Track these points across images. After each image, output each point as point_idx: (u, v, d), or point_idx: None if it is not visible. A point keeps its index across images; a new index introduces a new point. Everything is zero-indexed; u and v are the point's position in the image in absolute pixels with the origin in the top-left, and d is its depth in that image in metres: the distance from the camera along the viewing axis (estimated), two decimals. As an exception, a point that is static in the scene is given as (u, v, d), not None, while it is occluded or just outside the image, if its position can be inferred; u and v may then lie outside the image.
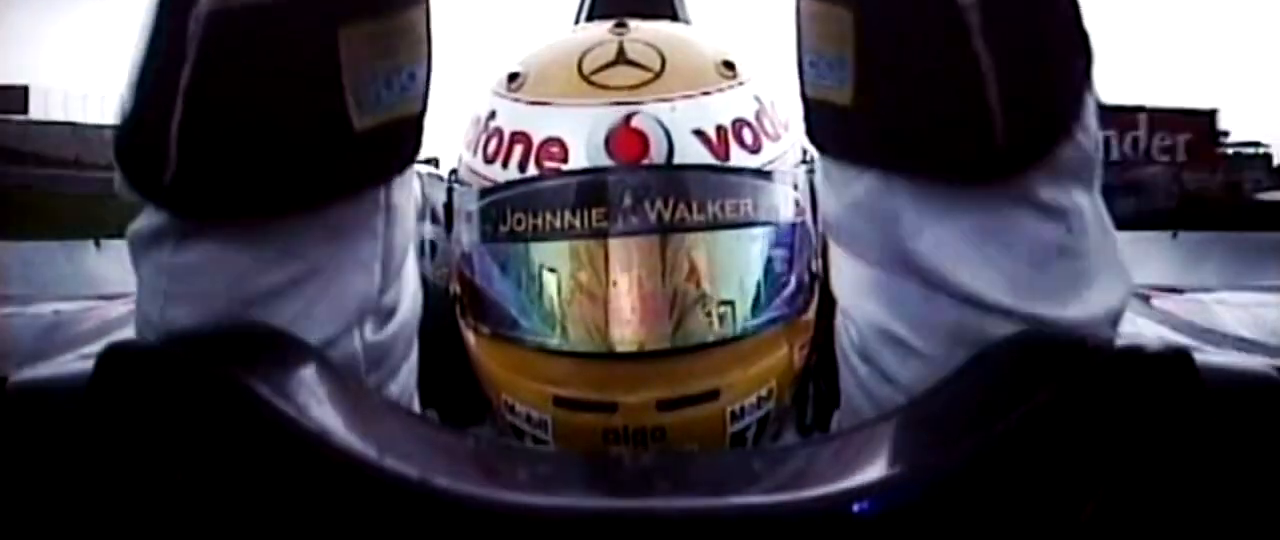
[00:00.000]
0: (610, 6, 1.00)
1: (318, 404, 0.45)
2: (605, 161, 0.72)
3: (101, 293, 1.63)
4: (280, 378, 0.46)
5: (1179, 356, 0.45)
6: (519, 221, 0.73)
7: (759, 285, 0.73)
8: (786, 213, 0.75)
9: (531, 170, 0.73)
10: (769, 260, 0.73)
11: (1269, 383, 0.56)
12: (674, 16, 1.13)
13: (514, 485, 0.44)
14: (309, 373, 0.49)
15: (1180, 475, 0.44)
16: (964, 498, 0.42)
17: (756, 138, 0.76)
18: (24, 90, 29.17)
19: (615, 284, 0.70)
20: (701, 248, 0.71)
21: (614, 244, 0.70)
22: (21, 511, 0.49)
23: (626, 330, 0.70)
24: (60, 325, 1.21)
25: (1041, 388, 0.45)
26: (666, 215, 0.71)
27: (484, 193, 0.75)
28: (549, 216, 0.72)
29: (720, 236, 0.72)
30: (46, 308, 1.32)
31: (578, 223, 0.71)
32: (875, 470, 0.45)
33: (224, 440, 0.43)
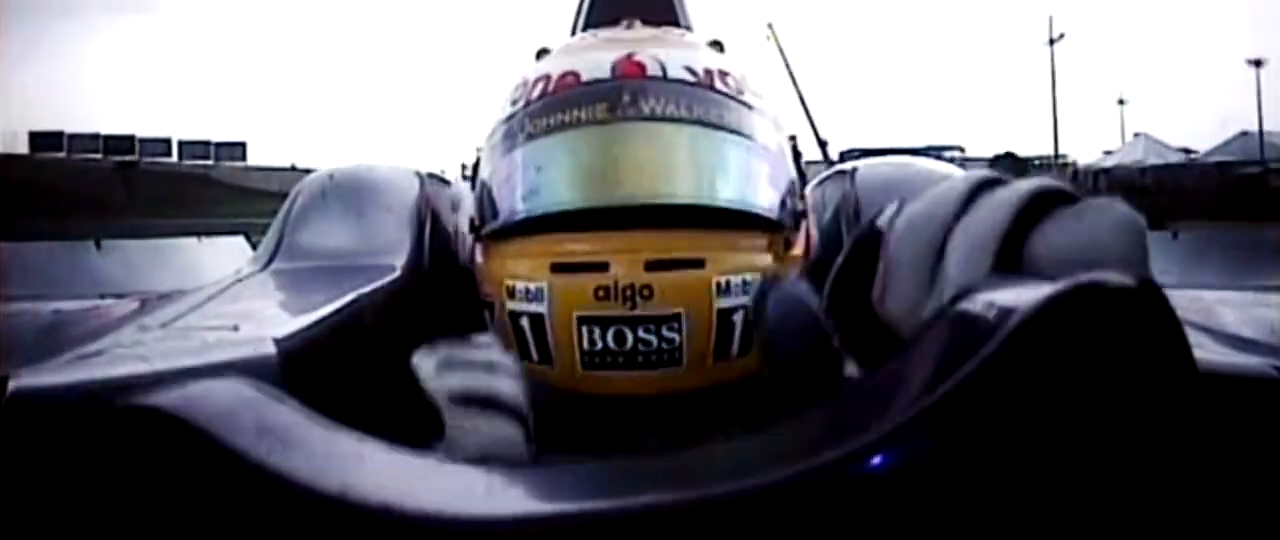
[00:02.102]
0: (610, 6, 1.08)
1: (276, 441, 0.38)
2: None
3: (102, 292, 1.63)
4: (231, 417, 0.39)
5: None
6: (535, 125, 0.84)
7: (740, 180, 0.83)
8: (766, 139, 0.86)
9: None
10: (749, 166, 0.83)
11: (1269, 383, 0.56)
12: (674, 18, 1.22)
13: (456, 499, 0.40)
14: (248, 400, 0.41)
15: (1179, 475, 0.44)
16: (926, 465, 0.37)
17: (739, 87, 0.87)
18: (243, 145, 41.62)
19: (613, 157, 0.81)
20: (689, 137, 0.82)
21: (614, 128, 0.81)
22: (22, 515, 0.49)
23: (620, 188, 0.80)
24: (60, 325, 1.21)
25: (990, 339, 0.38)
26: (660, 110, 0.82)
27: (507, 118, 0.87)
28: (561, 114, 0.83)
29: (711, 132, 0.83)
30: (46, 307, 1.32)
31: (583, 115, 0.82)
32: (831, 442, 0.40)
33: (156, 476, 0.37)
